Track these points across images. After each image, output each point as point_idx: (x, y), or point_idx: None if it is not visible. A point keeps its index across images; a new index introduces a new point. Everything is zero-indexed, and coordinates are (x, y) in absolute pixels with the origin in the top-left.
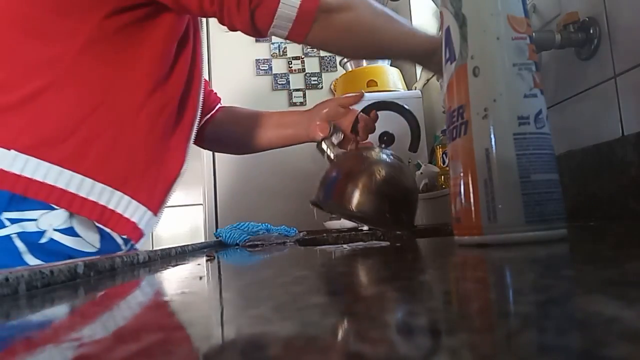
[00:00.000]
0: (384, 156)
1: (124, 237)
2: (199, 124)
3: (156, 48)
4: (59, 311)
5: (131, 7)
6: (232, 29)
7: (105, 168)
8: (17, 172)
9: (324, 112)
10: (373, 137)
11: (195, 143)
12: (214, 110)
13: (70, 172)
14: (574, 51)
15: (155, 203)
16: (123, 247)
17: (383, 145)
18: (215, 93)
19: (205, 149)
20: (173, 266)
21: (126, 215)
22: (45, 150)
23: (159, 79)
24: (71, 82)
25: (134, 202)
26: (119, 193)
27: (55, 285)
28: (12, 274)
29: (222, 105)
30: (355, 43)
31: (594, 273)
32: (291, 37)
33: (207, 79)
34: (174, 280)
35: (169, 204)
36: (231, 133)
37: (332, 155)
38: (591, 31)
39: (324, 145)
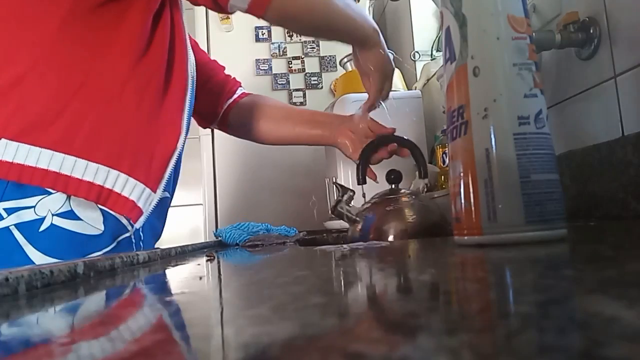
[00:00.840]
0: (404, 199)
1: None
2: (222, 108)
3: (133, 23)
4: (58, 311)
5: None
6: (195, 3)
7: (96, 147)
8: (9, 160)
9: (359, 128)
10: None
11: (219, 128)
12: (237, 95)
13: (62, 154)
14: (574, 51)
15: (153, 180)
16: (129, 227)
17: (393, 186)
18: (234, 78)
19: (229, 134)
20: (173, 266)
21: (124, 193)
22: (35, 135)
23: (139, 53)
24: (51, 65)
25: (132, 180)
26: (114, 171)
27: (55, 285)
28: (12, 274)
29: (247, 91)
30: (312, 21)
31: (594, 273)
32: (250, 10)
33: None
34: (174, 280)
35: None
36: (258, 121)
37: (352, 216)
38: (591, 31)
39: (340, 209)
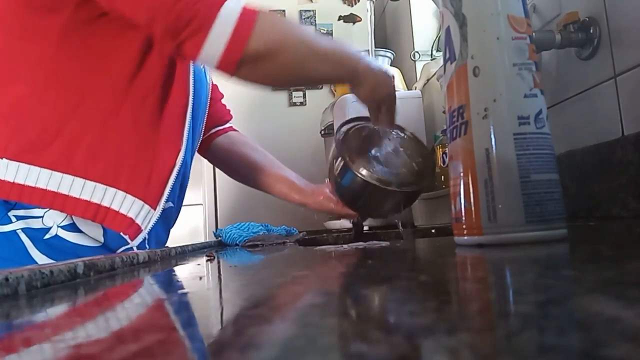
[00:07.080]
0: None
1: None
2: (204, 134)
3: (126, 40)
4: (58, 311)
5: None
6: (164, 48)
7: (94, 166)
8: (10, 180)
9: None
10: None
11: (197, 151)
12: (221, 128)
13: (60, 173)
14: (574, 51)
15: (153, 196)
16: (129, 240)
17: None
18: (229, 110)
19: (205, 158)
20: (173, 266)
21: (122, 211)
22: (34, 155)
23: (133, 69)
24: (49, 84)
25: (129, 197)
26: (112, 189)
27: (55, 285)
28: (12, 274)
29: (232, 126)
30: (282, 82)
31: (594, 273)
32: (219, 71)
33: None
34: (174, 280)
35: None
36: (235, 166)
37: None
38: (591, 31)
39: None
